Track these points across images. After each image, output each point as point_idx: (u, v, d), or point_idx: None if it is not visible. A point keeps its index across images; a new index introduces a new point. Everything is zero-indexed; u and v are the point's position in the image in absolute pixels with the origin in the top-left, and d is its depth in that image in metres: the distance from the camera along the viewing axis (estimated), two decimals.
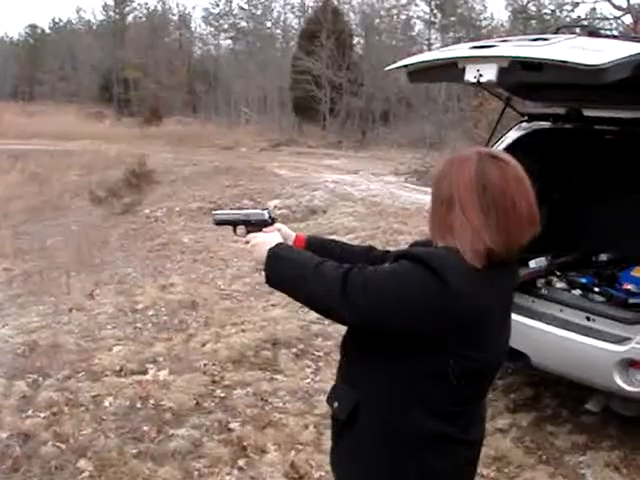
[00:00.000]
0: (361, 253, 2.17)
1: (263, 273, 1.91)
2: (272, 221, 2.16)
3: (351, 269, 1.72)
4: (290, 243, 2.12)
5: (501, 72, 3.61)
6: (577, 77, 3.37)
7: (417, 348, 1.70)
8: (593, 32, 4.13)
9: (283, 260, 1.87)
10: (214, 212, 2.31)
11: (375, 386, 1.80)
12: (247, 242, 2.09)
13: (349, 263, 1.77)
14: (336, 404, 1.90)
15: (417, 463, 1.78)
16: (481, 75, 3.69)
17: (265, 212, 2.17)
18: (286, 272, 1.85)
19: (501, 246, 1.67)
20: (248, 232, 2.13)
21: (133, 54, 46.45)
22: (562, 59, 3.30)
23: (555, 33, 4.24)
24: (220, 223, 2.27)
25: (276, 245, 1.94)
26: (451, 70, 3.96)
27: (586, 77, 3.32)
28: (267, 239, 2.00)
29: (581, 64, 3.21)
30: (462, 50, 4.04)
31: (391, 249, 2.25)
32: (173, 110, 42.43)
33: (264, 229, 2.12)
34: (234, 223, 2.19)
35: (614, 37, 4.24)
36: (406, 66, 4.29)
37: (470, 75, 3.75)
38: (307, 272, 1.78)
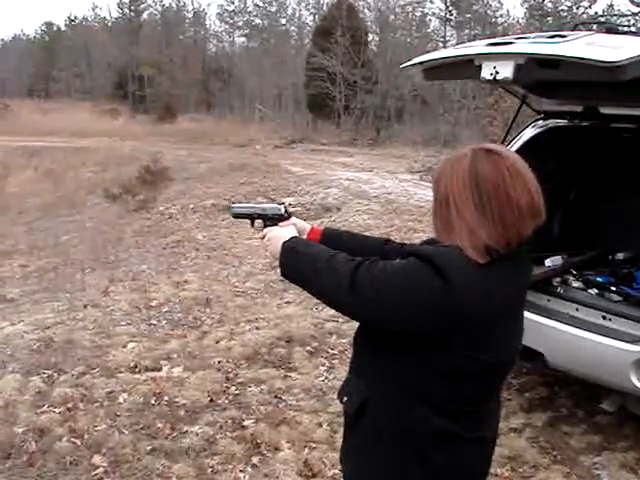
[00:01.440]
0: (376, 246, 2.17)
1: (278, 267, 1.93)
2: (288, 215, 2.19)
3: (361, 263, 1.72)
4: (305, 237, 2.14)
5: (518, 69, 3.57)
6: (594, 74, 3.34)
7: (423, 346, 1.69)
8: (611, 29, 4.08)
9: (296, 254, 1.89)
10: (232, 205, 2.35)
11: (383, 382, 1.80)
12: (263, 236, 2.11)
13: (363, 256, 1.77)
14: (345, 399, 1.92)
15: (423, 461, 1.78)
16: (497, 72, 3.65)
17: (281, 207, 2.21)
18: (299, 266, 1.87)
19: (499, 241, 1.65)
20: (265, 226, 2.15)
21: (148, 51, 46.68)
22: (579, 56, 3.27)
23: (572, 30, 4.20)
24: (237, 216, 2.32)
25: (290, 239, 1.96)
26: (467, 67, 3.93)
27: (604, 74, 3.28)
28: (282, 233, 2.02)
29: (598, 61, 3.18)
30: (478, 47, 4.00)
31: (408, 242, 2.24)
32: (187, 107, 42.58)
33: (280, 223, 2.15)
34: (251, 217, 2.23)
35: (633, 34, 4.18)
36: (421, 63, 4.26)
37: (486, 72, 3.72)
38: (320, 266, 1.78)
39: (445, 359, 1.68)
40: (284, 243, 1.93)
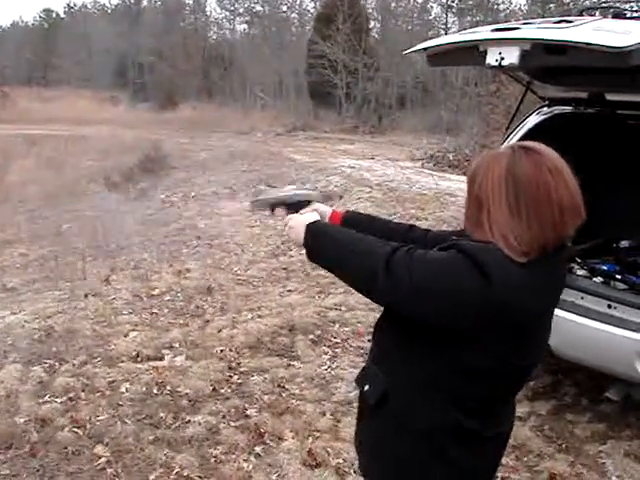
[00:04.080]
0: (400, 232, 2.13)
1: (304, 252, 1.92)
2: (308, 202, 2.17)
3: (398, 249, 1.68)
4: (327, 220, 2.12)
5: (523, 55, 3.53)
6: (601, 60, 3.30)
7: (452, 342, 1.66)
8: (618, 14, 4.04)
9: (323, 237, 1.87)
10: (253, 199, 2.35)
11: (406, 374, 1.77)
12: (286, 224, 2.08)
13: (387, 241, 1.75)
14: (367, 387, 1.89)
15: (442, 455, 1.76)
16: (503, 58, 3.62)
17: (301, 192, 2.22)
18: (328, 249, 1.85)
19: (531, 244, 1.60)
20: (287, 214, 2.13)
21: (148, 39, 46.49)
22: (587, 41, 3.23)
23: (579, 15, 4.15)
24: (260, 207, 2.31)
25: (314, 222, 1.93)
26: (472, 53, 3.89)
27: (611, 60, 3.24)
28: (303, 219, 1.97)
29: (606, 46, 3.14)
30: (483, 33, 3.95)
31: (432, 229, 2.20)
32: (188, 95, 42.42)
33: (301, 210, 2.13)
34: (272, 206, 2.22)
35: None
36: (425, 49, 4.22)
37: (491, 58, 3.68)
38: (351, 249, 1.76)
39: (473, 358, 1.65)
40: (308, 226, 1.90)
